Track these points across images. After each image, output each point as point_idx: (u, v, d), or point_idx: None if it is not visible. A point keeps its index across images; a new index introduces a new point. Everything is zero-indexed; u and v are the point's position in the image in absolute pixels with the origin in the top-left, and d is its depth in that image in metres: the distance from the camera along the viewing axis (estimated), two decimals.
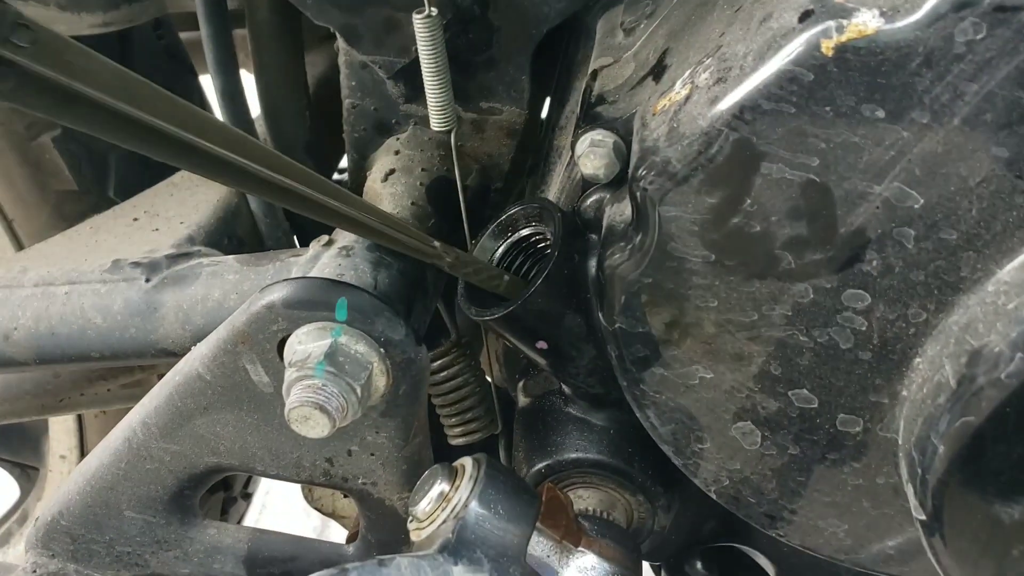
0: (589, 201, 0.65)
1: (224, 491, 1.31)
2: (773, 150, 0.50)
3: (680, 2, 0.66)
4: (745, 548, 0.86)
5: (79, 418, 1.32)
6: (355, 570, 0.51)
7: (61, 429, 1.34)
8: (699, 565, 0.89)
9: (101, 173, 1.09)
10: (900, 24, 0.46)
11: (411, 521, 0.64)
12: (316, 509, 1.07)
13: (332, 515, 1.08)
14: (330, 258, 0.72)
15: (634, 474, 0.71)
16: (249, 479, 1.36)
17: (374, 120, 0.88)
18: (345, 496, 1.02)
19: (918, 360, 0.54)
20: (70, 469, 1.35)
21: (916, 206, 0.50)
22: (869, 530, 0.64)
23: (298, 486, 1.07)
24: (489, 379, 0.97)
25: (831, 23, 0.48)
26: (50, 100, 0.40)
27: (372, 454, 0.74)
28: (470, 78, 0.83)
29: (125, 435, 0.77)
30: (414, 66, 0.80)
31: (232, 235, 0.89)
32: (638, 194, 0.56)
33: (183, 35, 1.18)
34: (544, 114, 0.93)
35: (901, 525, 0.63)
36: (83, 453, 1.34)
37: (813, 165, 0.50)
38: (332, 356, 0.65)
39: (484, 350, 1.03)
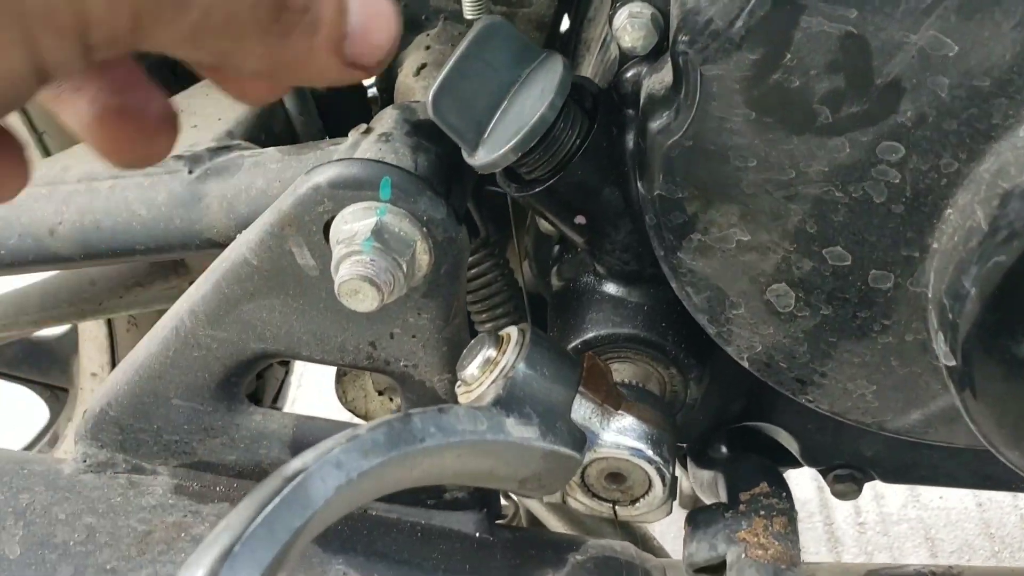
0: (627, 75, 0.67)
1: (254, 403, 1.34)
2: (812, 3, 0.52)
3: None
4: (768, 428, 0.89)
5: (110, 334, 1.35)
6: (417, 415, 0.54)
7: (93, 346, 1.37)
8: (723, 448, 0.93)
9: None
10: None
11: (459, 385, 0.67)
12: (349, 411, 1.11)
13: (365, 417, 1.12)
14: (370, 144, 0.74)
15: (668, 347, 0.74)
16: (279, 392, 1.39)
17: (404, 16, 0.89)
18: (380, 393, 1.05)
19: (949, 211, 0.56)
20: None
21: (951, 54, 0.52)
22: (896, 391, 0.67)
23: (330, 392, 1.11)
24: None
25: None
26: None
27: (414, 336, 0.76)
28: None
29: (173, 324, 0.79)
30: None
31: (269, 131, 0.91)
32: (680, 58, 0.58)
33: None
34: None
35: (928, 385, 0.66)
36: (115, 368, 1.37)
37: (851, 17, 0.52)
38: (379, 233, 0.67)
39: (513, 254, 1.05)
